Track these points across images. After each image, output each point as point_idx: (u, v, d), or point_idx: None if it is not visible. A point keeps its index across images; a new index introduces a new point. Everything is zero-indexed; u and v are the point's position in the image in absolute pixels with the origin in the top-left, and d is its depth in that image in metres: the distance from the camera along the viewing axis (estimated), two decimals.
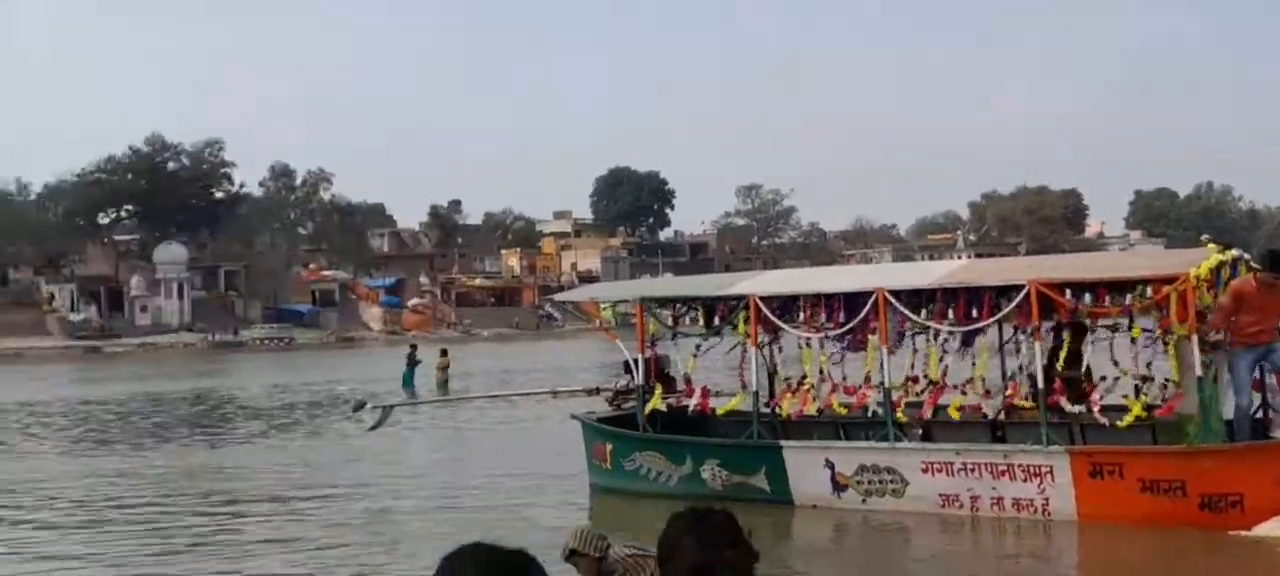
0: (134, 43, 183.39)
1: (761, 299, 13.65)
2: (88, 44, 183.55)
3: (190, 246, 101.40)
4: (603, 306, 16.56)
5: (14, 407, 31.53)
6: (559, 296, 20.47)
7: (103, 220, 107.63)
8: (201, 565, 10.41)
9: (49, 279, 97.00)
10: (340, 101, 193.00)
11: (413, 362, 32.93)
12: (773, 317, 13.67)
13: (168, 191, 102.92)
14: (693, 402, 14.30)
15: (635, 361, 14.52)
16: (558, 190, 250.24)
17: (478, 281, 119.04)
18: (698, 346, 14.55)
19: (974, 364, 13.04)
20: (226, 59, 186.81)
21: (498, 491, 14.23)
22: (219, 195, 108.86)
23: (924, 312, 12.80)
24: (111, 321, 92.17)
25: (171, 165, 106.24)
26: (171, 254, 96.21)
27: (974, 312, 12.55)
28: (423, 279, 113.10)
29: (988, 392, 13.08)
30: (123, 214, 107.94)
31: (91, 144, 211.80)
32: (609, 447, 14.32)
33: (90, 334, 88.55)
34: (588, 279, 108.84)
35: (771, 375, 14.62)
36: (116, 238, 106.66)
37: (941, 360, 13.17)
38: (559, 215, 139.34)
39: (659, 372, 14.77)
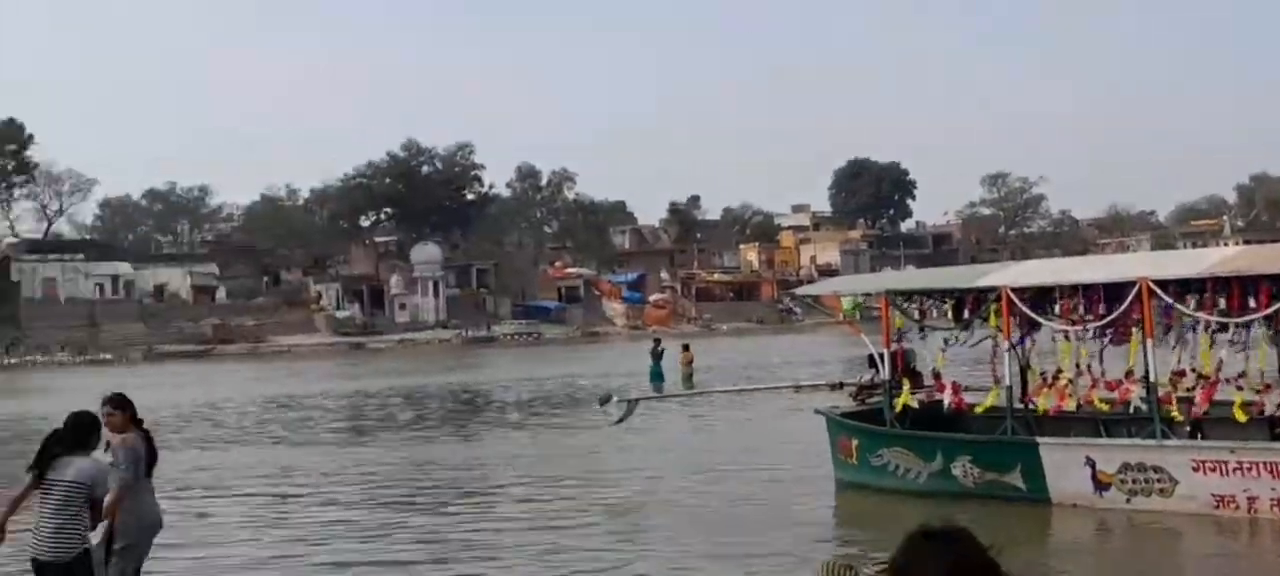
0: (387, 55, 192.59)
1: (1014, 291, 13.15)
2: (347, 53, 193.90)
3: (444, 246, 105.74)
4: (844, 300, 16.30)
5: (287, 400, 33.51)
6: (800, 290, 20.31)
7: (364, 222, 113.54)
8: (456, 552, 10.75)
9: (316, 279, 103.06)
10: (582, 102, 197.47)
11: (658, 357, 33.28)
12: (1026, 310, 13.16)
13: (423, 194, 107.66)
14: (946, 398, 13.91)
15: (880, 355, 14.23)
16: (796, 183, 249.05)
17: (717, 276, 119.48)
18: (946, 341, 14.13)
19: (1247, 357, 12.18)
20: (475, 65, 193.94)
21: (741, 485, 14.19)
22: (470, 196, 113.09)
23: (1192, 303, 12.06)
24: (373, 318, 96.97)
25: (426, 169, 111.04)
26: (427, 254, 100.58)
27: (1250, 302, 11.74)
28: (663, 274, 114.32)
29: (1268, 386, 12.21)
30: (382, 216, 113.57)
31: (353, 150, 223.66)
32: (855, 443, 14.09)
33: (354, 331, 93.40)
34: (827, 272, 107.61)
35: (1024, 370, 14.06)
36: (377, 239, 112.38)
37: (1213, 352, 12.36)
38: (797, 208, 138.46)
39: (905, 367, 14.43)
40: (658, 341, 35.46)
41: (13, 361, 79.15)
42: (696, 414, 23.72)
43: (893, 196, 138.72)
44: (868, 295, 16.01)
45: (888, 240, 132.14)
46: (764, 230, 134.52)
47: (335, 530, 12.14)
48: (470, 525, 12.29)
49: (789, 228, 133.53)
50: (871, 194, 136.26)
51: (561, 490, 14.34)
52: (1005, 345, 13.32)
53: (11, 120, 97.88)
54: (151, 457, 7.97)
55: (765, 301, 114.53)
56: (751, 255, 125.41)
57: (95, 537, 7.30)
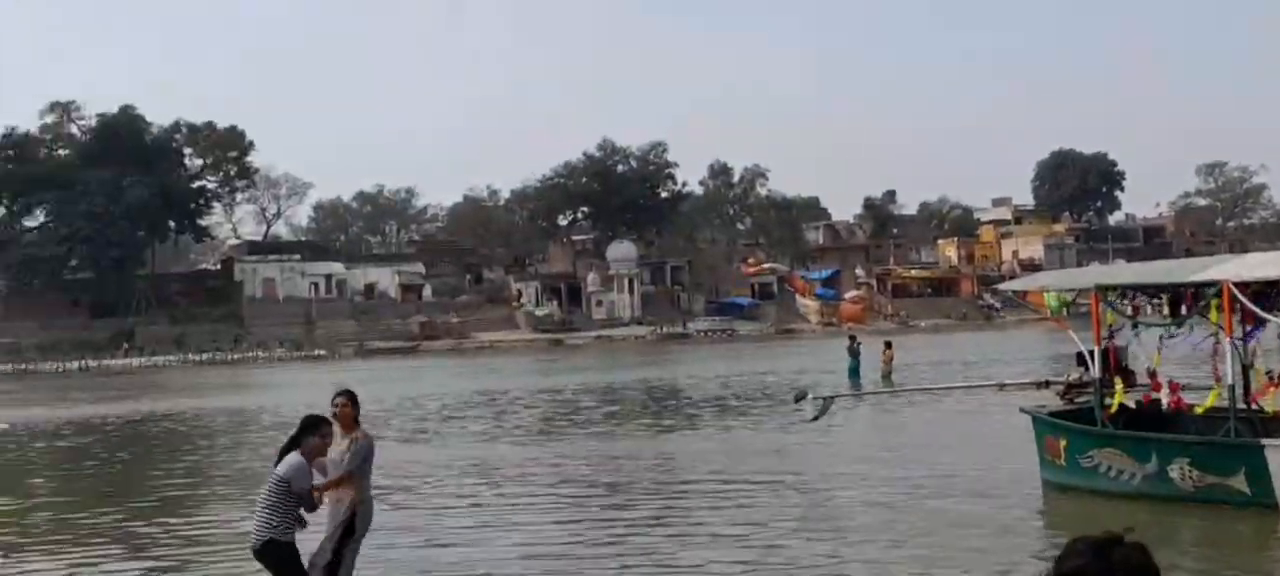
0: (580, 58, 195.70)
1: (1236, 285, 12.39)
2: (540, 62, 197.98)
3: (639, 243, 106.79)
4: (1049, 296, 15.68)
5: (488, 395, 34.38)
6: (1004, 286, 19.60)
7: (562, 221, 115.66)
8: (646, 548, 10.77)
9: (516, 277, 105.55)
10: (775, 99, 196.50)
11: (855, 354, 32.80)
12: (1250, 305, 12.38)
13: (618, 192, 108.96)
14: (1164, 397, 13.22)
15: (1090, 353, 13.62)
16: (996, 177, 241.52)
17: (913, 272, 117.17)
18: (1162, 338, 13.42)
19: None
20: (665, 65, 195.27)
21: (940, 485, 13.80)
22: (664, 194, 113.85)
23: None
24: (571, 315, 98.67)
25: (620, 168, 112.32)
26: (622, 251, 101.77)
27: None
28: (858, 271, 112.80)
29: None
30: (579, 215, 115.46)
31: (551, 151, 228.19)
32: (1063, 443, 13.52)
33: (552, 327, 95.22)
34: (1030, 267, 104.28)
35: (1246, 369, 13.23)
36: (574, 237, 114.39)
37: None
38: (998, 202, 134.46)
39: (1117, 365, 13.79)
40: (854, 338, 34.93)
41: (236, 356, 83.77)
42: (892, 412, 23.23)
43: (1099, 188, 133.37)
44: (1076, 291, 15.35)
45: (1095, 234, 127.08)
46: (963, 225, 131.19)
47: (530, 524, 12.32)
48: (661, 521, 12.31)
49: (989, 222, 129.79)
50: (1077, 186, 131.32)
51: (755, 487, 14.23)
52: (1227, 343, 12.58)
53: (233, 127, 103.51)
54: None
55: (964, 297, 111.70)
56: (950, 250, 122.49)
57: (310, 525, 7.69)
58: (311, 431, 7.72)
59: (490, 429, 23.83)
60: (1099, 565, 1.98)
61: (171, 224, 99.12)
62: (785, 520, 11.87)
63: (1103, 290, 13.84)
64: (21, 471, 20.51)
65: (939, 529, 10.98)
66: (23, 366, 78.87)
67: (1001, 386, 18.39)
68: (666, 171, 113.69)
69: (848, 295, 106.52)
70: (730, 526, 11.61)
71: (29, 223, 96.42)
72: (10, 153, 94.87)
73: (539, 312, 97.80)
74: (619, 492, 14.34)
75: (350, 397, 8.36)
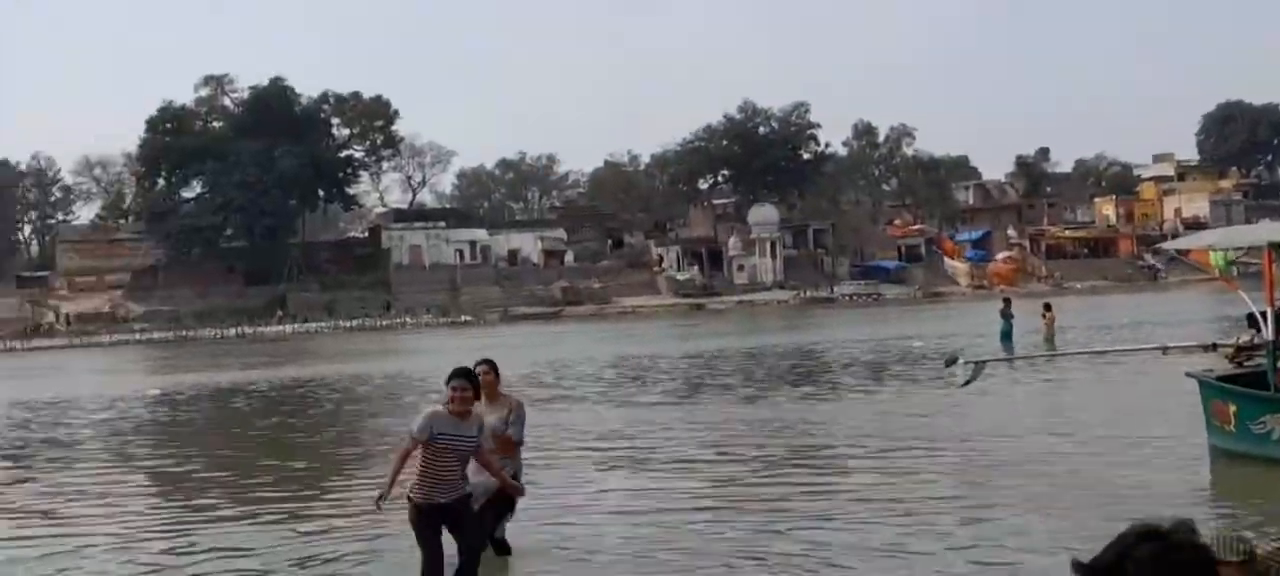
0: (723, 18, 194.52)
1: None
2: (681, 24, 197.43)
3: (781, 207, 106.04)
4: (1215, 255, 14.95)
5: (629, 360, 34.53)
6: (1166, 245, 18.83)
7: (702, 185, 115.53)
8: (796, 514, 10.63)
9: (657, 242, 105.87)
10: (921, 56, 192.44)
11: (1008, 317, 32.00)
12: None
13: (759, 155, 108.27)
14: None
15: (1262, 314, 12.94)
16: (1157, 131, 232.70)
17: (1068, 232, 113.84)
18: None
19: None
20: (807, 23, 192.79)
21: (1100, 452, 13.30)
22: (806, 156, 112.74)
23: None
24: (712, 280, 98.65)
25: (762, 129, 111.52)
26: (764, 215, 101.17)
27: None
28: (1010, 231, 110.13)
29: None
30: (719, 178, 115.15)
31: (691, 114, 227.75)
32: (1233, 408, 12.89)
33: (693, 292, 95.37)
34: (1194, 226, 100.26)
35: None
36: (715, 201, 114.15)
37: None
38: (1159, 158, 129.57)
39: None
40: (1007, 301, 33.99)
41: (385, 323, 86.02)
42: (1048, 378, 22.56)
43: (1270, 142, 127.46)
44: (1245, 249, 14.60)
45: (1265, 190, 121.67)
46: (1121, 182, 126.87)
47: (673, 488, 12.28)
48: (808, 485, 12.15)
49: (1150, 179, 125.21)
50: (1245, 140, 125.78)
51: (903, 453, 13.95)
52: None
53: (379, 97, 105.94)
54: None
55: (1122, 257, 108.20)
56: (1107, 209, 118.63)
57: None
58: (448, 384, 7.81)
59: (631, 393, 23.91)
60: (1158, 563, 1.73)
61: (321, 193, 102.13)
62: (939, 488, 11.59)
63: (1276, 247, 13.13)
64: (178, 434, 21.34)
65: (1097, 497, 10.56)
66: (182, 333, 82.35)
67: (1165, 349, 17.63)
68: (809, 132, 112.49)
69: (999, 256, 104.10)
70: (878, 494, 11.39)
71: (186, 194, 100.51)
72: (168, 126, 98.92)
73: (680, 277, 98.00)
74: (763, 458, 14.20)
75: (492, 366, 8.55)
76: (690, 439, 16.22)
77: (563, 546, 9.61)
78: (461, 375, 7.55)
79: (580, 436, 16.90)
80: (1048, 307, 33.25)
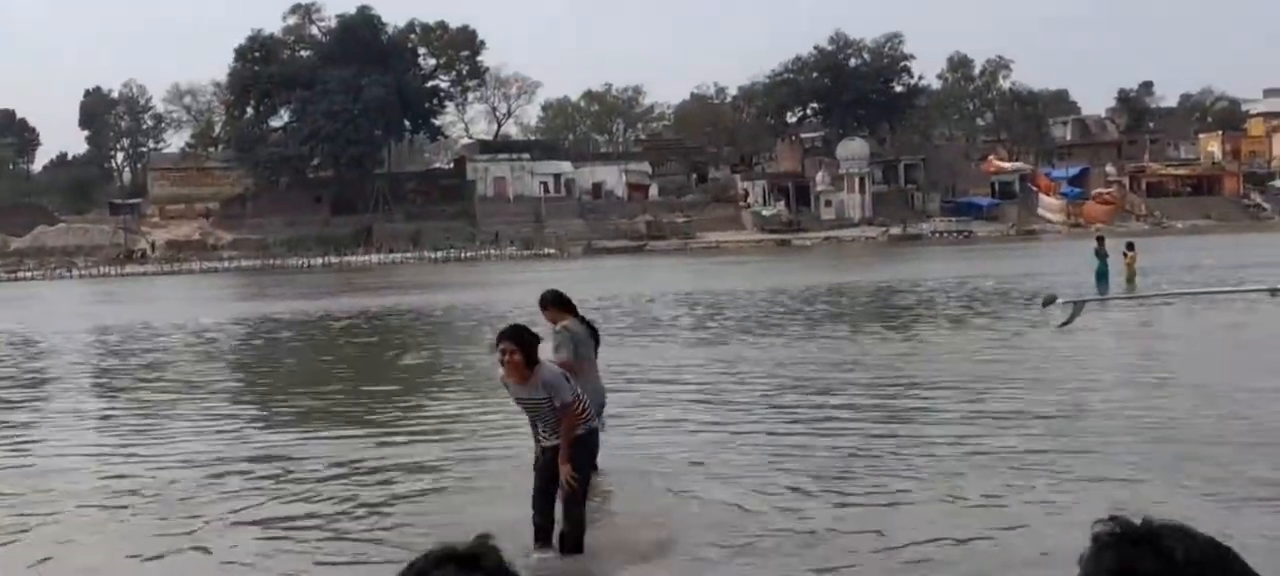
0: None
1: None
2: None
3: (871, 141, 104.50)
4: None
5: (713, 295, 34.35)
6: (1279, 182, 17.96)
7: (790, 119, 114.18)
8: (879, 462, 10.40)
9: (743, 176, 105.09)
10: None
11: (1102, 256, 31.23)
12: None
13: (849, 88, 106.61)
14: None
15: None
16: (1268, 65, 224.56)
17: (1170, 169, 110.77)
18: None
19: None
20: None
21: (1200, 400, 12.81)
22: (898, 89, 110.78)
23: None
24: (798, 215, 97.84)
25: (853, 62, 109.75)
26: (853, 149, 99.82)
27: None
28: (1109, 168, 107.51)
29: None
30: (808, 112, 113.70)
31: (780, 45, 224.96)
32: None
33: (779, 227, 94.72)
34: None
35: None
36: (802, 135, 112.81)
37: None
38: (1270, 92, 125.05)
39: None
40: (1101, 239, 33.08)
41: (469, 254, 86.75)
42: (1145, 320, 21.95)
43: None
44: None
45: None
46: (1228, 118, 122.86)
47: (758, 430, 12.10)
48: (889, 432, 11.90)
49: (1260, 114, 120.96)
50: None
51: (996, 394, 13.59)
52: None
53: (465, 27, 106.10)
54: (595, 339, 9.23)
55: (1228, 196, 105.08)
56: (1212, 145, 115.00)
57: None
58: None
59: (714, 330, 23.74)
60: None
61: (407, 123, 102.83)
62: (1027, 430, 11.25)
63: None
64: (272, 356, 21.66)
65: (1201, 447, 10.14)
66: (270, 261, 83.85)
67: (1274, 291, 16.95)
68: (901, 64, 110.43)
69: (1095, 192, 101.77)
70: (966, 437, 11.09)
71: (274, 123, 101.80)
72: (256, 54, 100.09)
73: (765, 212, 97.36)
74: (849, 398, 13.95)
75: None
76: (772, 376, 16.00)
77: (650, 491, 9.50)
78: (507, 336, 7.02)
79: (656, 369, 16.78)
80: (1130, 247, 32.35)
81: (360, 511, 8.88)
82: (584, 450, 7.21)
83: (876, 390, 14.33)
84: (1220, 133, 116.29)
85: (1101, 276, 30.25)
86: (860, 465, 9.95)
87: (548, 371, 7.12)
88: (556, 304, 9.16)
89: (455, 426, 12.64)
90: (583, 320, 9.22)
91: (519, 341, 6.96)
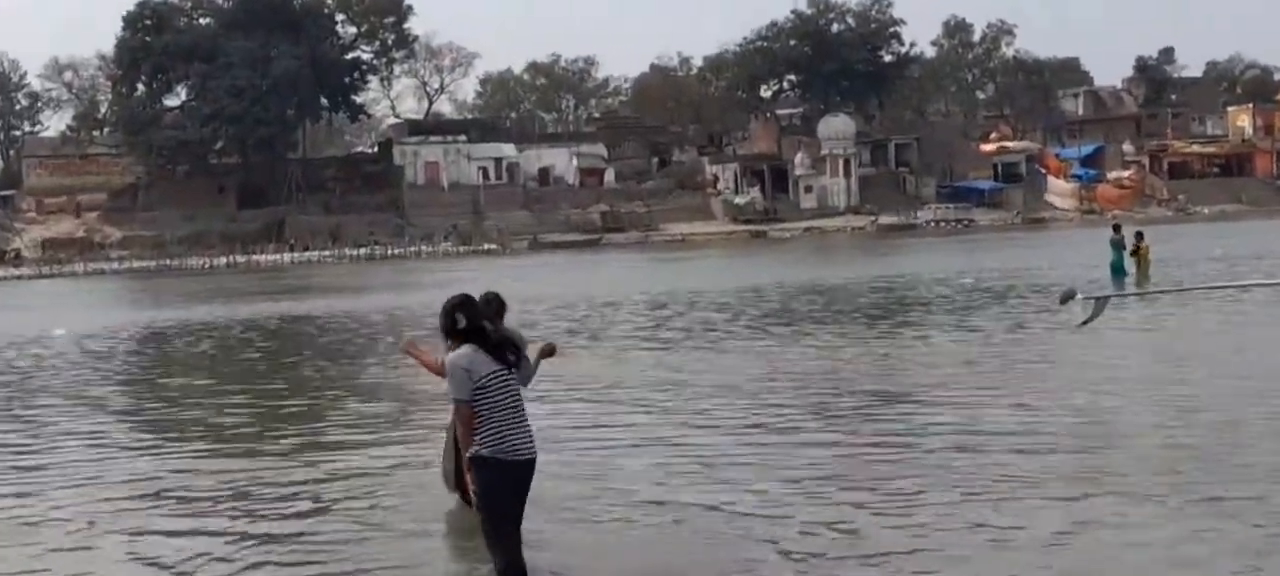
0: None
1: None
2: None
3: (857, 118, 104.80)
4: None
5: (679, 296, 34.03)
6: None
7: (765, 93, 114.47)
8: (882, 474, 10.03)
9: (712, 159, 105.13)
10: None
11: (1118, 246, 31.24)
12: None
13: (832, 56, 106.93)
14: None
15: None
16: None
17: (1195, 147, 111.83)
18: None
19: None
20: None
21: (1234, 409, 12.59)
22: (887, 58, 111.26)
23: None
24: (775, 203, 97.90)
25: (836, 27, 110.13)
26: (836, 127, 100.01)
27: None
28: (1126, 147, 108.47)
29: None
30: (785, 85, 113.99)
31: (753, 8, 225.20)
32: None
33: (754, 217, 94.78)
34: None
35: None
36: (779, 111, 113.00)
37: None
38: None
39: None
40: (1117, 227, 33.10)
41: (397, 251, 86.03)
42: (1170, 316, 21.78)
43: None
44: None
45: None
46: (1260, 88, 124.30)
47: (738, 446, 11.72)
48: (891, 438, 11.60)
49: None
50: None
51: (1004, 403, 13.32)
52: None
53: None
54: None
55: (1260, 177, 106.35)
56: (1242, 120, 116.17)
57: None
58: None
59: (676, 336, 23.39)
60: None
61: (323, 101, 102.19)
62: (1055, 462, 10.92)
63: None
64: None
65: (1234, 465, 9.84)
66: (167, 262, 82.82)
67: None
68: (891, 30, 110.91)
69: (1111, 176, 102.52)
70: (968, 448, 10.78)
71: (170, 102, 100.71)
72: (148, 22, 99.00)
73: (738, 200, 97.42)
74: (840, 407, 13.62)
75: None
76: (752, 387, 15.64)
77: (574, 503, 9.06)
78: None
79: (613, 388, 16.39)
80: (1139, 237, 32.36)
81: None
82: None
83: (870, 398, 14.01)
84: (1250, 105, 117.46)
85: (1118, 270, 30.19)
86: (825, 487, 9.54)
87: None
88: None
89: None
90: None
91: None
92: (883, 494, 9.43)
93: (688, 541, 8.44)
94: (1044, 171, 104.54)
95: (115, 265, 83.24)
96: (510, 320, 8.91)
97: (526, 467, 6.82)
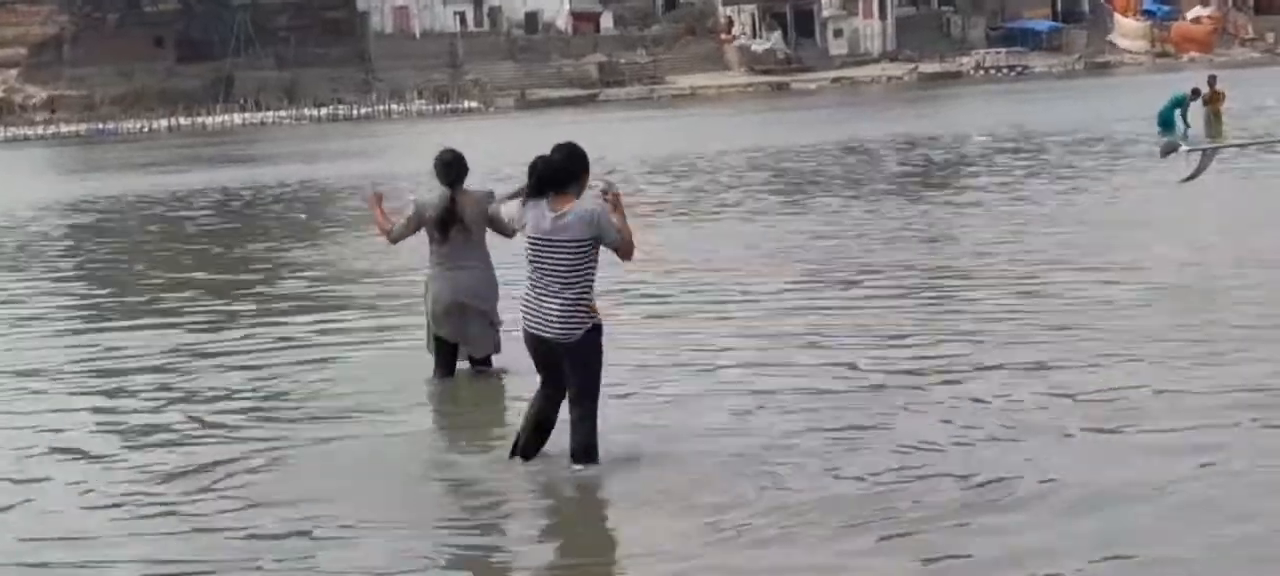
0: None
1: None
2: None
3: None
4: None
5: (687, 160, 33.76)
6: None
7: None
8: (946, 348, 9.84)
9: (726, 0, 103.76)
10: None
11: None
12: None
13: None
14: None
15: None
16: None
17: None
18: None
19: None
20: None
21: None
22: None
23: None
24: (799, 50, 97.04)
25: None
26: None
27: None
28: None
29: None
30: None
31: None
32: None
33: (775, 67, 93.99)
34: None
35: None
36: None
37: None
38: None
39: None
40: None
41: (364, 111, 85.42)
42: (1251, 172, 21.52)
43: None
44: None
45: None
46: None
47: (775, 326, 11.53)
48: (951, 310, 11.44)
49: None
50: None
51: (1070, 267, 13.19)
52: None
53: None
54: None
55: None
56: None
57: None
58: None
59: (686, 203, 23.21)
60: None
61: None
62: (1121, 318, 10.68)
63: None
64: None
65: None
66: (98, 126, 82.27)
67: None
68: None
69: (1189, 14, 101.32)
70: (1022, 316, 10.59)
71: None
72: None
73: (756, 47, 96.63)
74: (883, 279, 13.46)
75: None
76: (781, 255, 15.41)
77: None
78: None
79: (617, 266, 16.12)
80: (1211, 82, 31.94)
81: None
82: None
83: (901, 273, 13.77)
84: None
85: (1166, 120, 30.01)
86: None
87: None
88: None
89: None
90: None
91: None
92: None
93: None
94: (1110, 8, 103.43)
95: (40, 130, 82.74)
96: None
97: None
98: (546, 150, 7.33)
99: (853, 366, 9.84)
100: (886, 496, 6.86)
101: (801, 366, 9.98)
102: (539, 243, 7.15)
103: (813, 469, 7.34)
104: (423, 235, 9.80)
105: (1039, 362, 9.52)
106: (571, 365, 7.24)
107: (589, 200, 7.21)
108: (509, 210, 7.62)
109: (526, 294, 7.26)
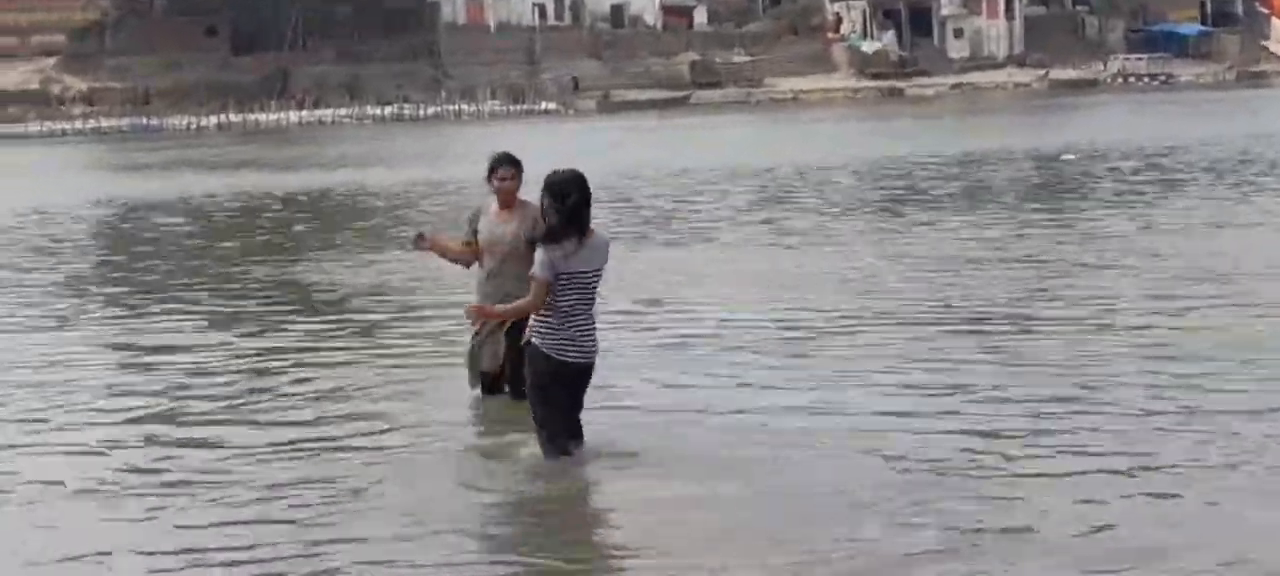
0: None
1: None
2: None
3: None
4: None
5: (785, 172, 33.68)
6: None
7: None
8: (1062, 382, 9.69)
9: None
10: None
11: None
12: None
13: None
14: None
15: None
16: None
17: None
18: None
19: None
20: None
21: None
22: None
23: None
24: (915, 52, 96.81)
25: None
26: None
27: None
28: None
29: None
30: None
31: None
32: None
33: (888, 70, 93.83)
34: None
35: None
36: None
37: None
38: None
39: None
40: None
41: (432, 111, 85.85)
42: None
43: None
44: None
45: None
46: None
47: (875, 350, 11.42)
48: (1069, 345, 11.35)
49: None
50: None
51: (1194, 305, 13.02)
52: None
53: None
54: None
55: None
56: None
57: None
58: None
59: (786, 219, 23.07)
60: None
61: None
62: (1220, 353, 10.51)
63: None
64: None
65: None
66: (143, 121, 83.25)
67: None
68: None
69: None
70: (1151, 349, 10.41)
71: None
72: None
73: (867, 49, 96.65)
74: (1004, 311, 13.31)
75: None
76: (893, 281, 15.29)
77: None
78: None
79: (707, 280, 16.14)
80: None
81: None
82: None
83: (1008, 288, 13.59)
84: None
85: None
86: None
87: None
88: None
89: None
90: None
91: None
92: None
93: None
94: (1268, 12, 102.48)
95: (80, 124, 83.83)
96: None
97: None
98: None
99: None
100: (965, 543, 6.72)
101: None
102: (588, 275, 8.02)
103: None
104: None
105: None
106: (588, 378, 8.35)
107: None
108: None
109: (576, 330, 8.07)
